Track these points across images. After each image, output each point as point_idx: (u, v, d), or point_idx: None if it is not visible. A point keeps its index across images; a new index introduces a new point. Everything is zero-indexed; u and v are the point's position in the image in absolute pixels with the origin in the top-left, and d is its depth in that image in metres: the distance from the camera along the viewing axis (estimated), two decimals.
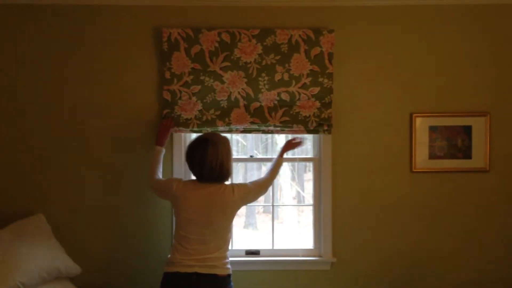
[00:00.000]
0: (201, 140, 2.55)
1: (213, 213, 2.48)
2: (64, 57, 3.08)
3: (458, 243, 3.19)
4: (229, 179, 2.63)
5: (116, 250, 3.13)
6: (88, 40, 3.09)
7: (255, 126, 3.04)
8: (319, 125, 3.05)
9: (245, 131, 3.07)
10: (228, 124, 3.03)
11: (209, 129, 3.03)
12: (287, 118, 3.04)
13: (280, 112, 3.04)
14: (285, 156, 2.94)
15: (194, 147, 2.54)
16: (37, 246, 2.73)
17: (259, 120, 3.04)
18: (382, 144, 3.17)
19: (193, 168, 2.56)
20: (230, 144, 2.66)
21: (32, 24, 3.07)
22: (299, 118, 3.05)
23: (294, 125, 3.03)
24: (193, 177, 2.70)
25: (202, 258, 2.45)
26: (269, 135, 3.08)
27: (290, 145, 2.93)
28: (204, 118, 3.03)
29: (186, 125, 3.02)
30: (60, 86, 3.09)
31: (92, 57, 3.09)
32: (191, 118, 3.03)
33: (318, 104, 3.05)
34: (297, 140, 2.95)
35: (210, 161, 2.47)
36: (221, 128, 3.03)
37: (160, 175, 2.80)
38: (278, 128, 3.06)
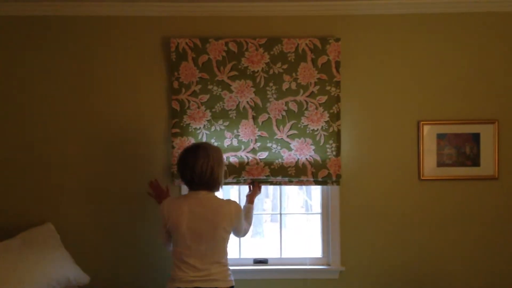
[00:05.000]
0: (193, 146, 2.54)
1: (209, 225, 2.41)
2: (72, 66, 3.12)
3: (467, 251, 3.17)
4: (220, 189, 2.56)
5: (125, 260, 3.13)
6: (96, 50, 3.12)
7: (263, 177, 3.04)
8: (327, 175, 3.05)
9: (253, 181, 3.05)
10: (237, 136, 3.04)
11: (216, 143, 3.03)
12: (295, 132, 3.05)
13: (288, 125, 3.05)
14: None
15: (185, 152, 2.52)
16: (46, 255, 2.74)
17: (267, 133, 3.05)
18: (390, 152, 3.16)
19: (183, 172, 2.49)
20: (223, 154, 2.60)
21: (42, 34, 3.11)
22: (307, 132, 3.05)
23: (302, 138, 3.04)
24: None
25: (202, 274, 2.40)
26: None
27: (253, 194, 2.99)
28: (213, 128, 3.05)
29: (195, 135, 3.04)
30: (68, 96, 3.12)
31: (100, 67, 3.12)
32: (200, 128, 3.04)
33: (326, 115, 3.06)
34: (255, 187, 3.03)
35: (201, 165, 2.42)
36: (229, 180, 3.03)
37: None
38: (286, 179, 3.05)
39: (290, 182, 3.07)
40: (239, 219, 2.52)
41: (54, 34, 3.12)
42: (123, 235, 3.13)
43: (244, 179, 3.06)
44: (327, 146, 3.05)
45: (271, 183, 3.09)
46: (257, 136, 3.05)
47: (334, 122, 3.05)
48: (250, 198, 2.96)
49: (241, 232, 2.65)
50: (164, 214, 2.46)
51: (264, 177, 3.05)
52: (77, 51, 3.12)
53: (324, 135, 3.05)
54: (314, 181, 3.07)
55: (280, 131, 3.06)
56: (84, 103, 3.13)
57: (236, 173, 3.04)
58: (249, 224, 2.79)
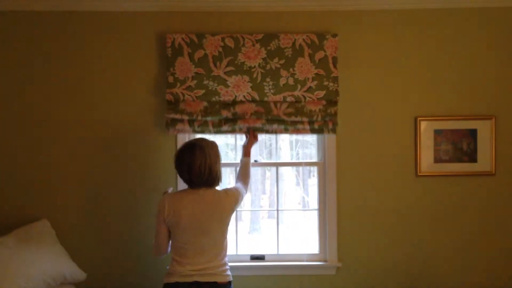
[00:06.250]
0: (188, 145, 2.51)
1: (209, 220, 2.44)
2: (66, 62, 3.10)
3: (464, 247, 3.17)
4: (219, 184, 2.58)
5: (121, 256, 3.13)
6: (90, 46, 3.10)
7: (258, 124, 3.02)
8: (324, 122, 3.04)
9: (248, 130, 3.04)
10: (234, 114, 3.01)
11: (212, 130, 3.01)
12: (291, 110, 3.03)
13: (285, 105, 3.03)
14: (289, 160, 2.91)
15: (181, 152, 2.49)
16: (42, 251, 2.73)
17: (264, 109, 3.02)
18: (387, 149, 3.16)
19: (182, 173, 2.49)
20: (219, 148, 2.61)
21: (38, 30, 3.09)
22: (304, 111, 3.03)
23: (299, 117, 3.01)
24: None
25: (201, 267, 2.42)
26: (273, 140, 3.04)
27: (250, 143, 2.98)
28: (209, 110, 3.01)
29: (191, 114, 2.99)
30: (63, 92, 3.11)
31: (94, 62, 3.11)
32: (196, 111, 3.01)
33: (324, 102, 3.05)
34: (252, 135, 3.01)
35: (199, 165, 2.43)
36: (224, 128, 3.01)
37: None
38: (282, 127, 3.04)
39: (285, 130, 3.05)
40: (238, 203, 2.59)
41: (48, 30, 3.09)
42: (119, 231, 3.12)
43: (240, 128, 3.04)
44: (324, 128, 3.04)
45: (267, 132, 3.06)
46: (253, 111, 3.02)
47: (332, 107, 3.04)
48: (246, 149, 2.96)
49: (243, 199, 2.73)
50: (164, 209, 2.46)
51: (260, 126, 3.03)
52: (71, 47, 3.10)
53: (321, 115, 3.03)
54: (310, 129, 3.05)
55: (277, 108, 3.03)
56: (79, 99, 3.11)
57: (232, 122, 3.02)
58: (247, 183, 2.81)
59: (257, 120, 3.02)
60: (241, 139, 3.28)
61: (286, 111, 3.03)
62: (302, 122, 3.03)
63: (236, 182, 2.82)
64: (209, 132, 3.03)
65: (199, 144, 2.49)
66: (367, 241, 3.16)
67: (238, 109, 3.02)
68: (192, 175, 2.45)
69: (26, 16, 3.08)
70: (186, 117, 2.99)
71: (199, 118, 2.99)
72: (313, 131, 3.06)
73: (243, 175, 2.84)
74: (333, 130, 3.05)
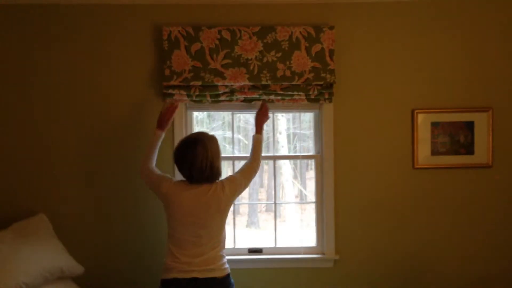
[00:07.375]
0: (189, 140, 2.49)
1: (208, 214, 2.44)
2: (61, 55, 3.08)
3: (461, 239, 3.19)
4: (219, 179, 2.57)
5: (118, 250, 3.13)
6: (87, 39, 3.08)
7: (255, 96, 3.05)
8: (320, 94, 3.06)
9: (245, 100, 3.06)
10: (232, 90, 3.03)
11: (209, 99, 3.03)
12: (288, 85, 3.04)
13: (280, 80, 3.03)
14: (286, 153, 2.91)
15: (182, 148, 2.48)
16: (39, 246, 2.73)
17: (261, 86, 3.03)
18: (384, 141, 3.16)
19: (182, 169, 2.49)
20: (219, 142, 2.60)
21: (32, 22, 3.06)
22: (301, 87, 3.03)
23: (295, 91, 3.03)
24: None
25: (199, 261, 2.42)
26: (271, 133, 3.03)
27: (261, 117, 2.94)
28: (206, 88, 3.02)
29: (188, 89, 3.02)
30: (58, 85, 3.09)
31: (89, 55, 3.09)
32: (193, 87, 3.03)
33: (320, 86, 3.06)
34: (265, 108, 2.99)
35: (200, 161, 2.42)
36: (222, 98, 3.03)
37: (154, 163, 2.73)
38: (279, 97, 3.06)
39: (282, 100, 3.07)
40: (238, 193, 2.58)
41: (42, 23, 3.07)
42: (117, 224, 3.12)
43: (237, 98, 3.06)
44: (321, 98, 3.06)
45: (264, 101, 3.07)
46: (250, 86, 3.04)
47: (329, 88, 3.06)
48: (259, 125, 2.91)
49: (251, 179, 2.70)
50: (162, 189, 2.51)
51: (257, 96, 3.05)
52: (66, 40, 3.08)
53: (317, 89, 3.05)
54: (307, 99, 3.06)
55: (274, 86, 3.05)
56: (74, 92, 3.09)
57: (229, 93, 3.05)
58: (256, 159, 2.76)
59: (254, 92, 3.04)
60: (239, 133, 3.27)
61: (283, 86, 3.04)
62: (298, 94, 3.05)
63: (249, 159, 2.79)
64: (207, 101, 3.05)
65: (200, 139, 2.47)
66: (365, 233, 3.17)
67: (236, 86, 3.04)
68: (194, 171, 2.45)
69: (19, 9, 3.05)
70: (183, 92, 3.02)
71: (196, 93, 3.02)
72: (309, 100, 3.07)
73: (253, 154, 2.79)
74: (330, 100, 3.07)
